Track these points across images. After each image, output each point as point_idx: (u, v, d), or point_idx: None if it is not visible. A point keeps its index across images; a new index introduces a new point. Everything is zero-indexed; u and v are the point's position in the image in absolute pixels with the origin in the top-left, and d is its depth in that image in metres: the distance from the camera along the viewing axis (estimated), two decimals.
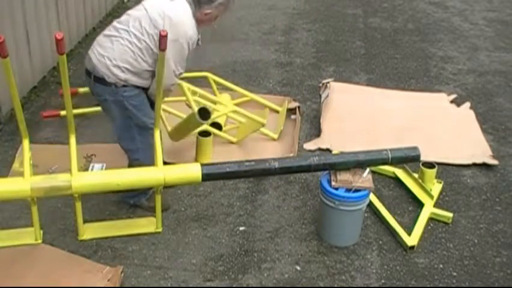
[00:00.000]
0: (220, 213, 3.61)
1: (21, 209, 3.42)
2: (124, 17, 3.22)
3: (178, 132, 3.92)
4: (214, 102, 4.52)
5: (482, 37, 6.82)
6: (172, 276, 3.11)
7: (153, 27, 3.07)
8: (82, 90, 4.28)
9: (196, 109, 3.44)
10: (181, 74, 3.30)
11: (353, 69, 5.80)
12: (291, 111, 4.70)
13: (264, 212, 3.64)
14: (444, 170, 4.11)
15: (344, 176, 3.23)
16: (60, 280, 2.92)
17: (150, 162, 3.21)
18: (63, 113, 4.22)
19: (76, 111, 4.03)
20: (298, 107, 4.76)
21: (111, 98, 3.18)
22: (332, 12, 7.53)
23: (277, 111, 4.75)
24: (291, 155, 4.14)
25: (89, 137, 4.34)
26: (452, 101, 5.10)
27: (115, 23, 3.21)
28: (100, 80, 3.14)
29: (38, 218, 3.05)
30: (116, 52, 3.10)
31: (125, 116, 3.23)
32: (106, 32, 3.22)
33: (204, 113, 3.42)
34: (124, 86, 3.14)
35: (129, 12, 3.23)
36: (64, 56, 2.56)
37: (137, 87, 3.19)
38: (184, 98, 4.51)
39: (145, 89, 3.26)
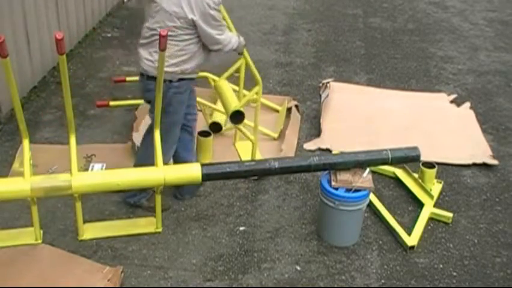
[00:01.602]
0: (220, 213, 3.61)
1: (21, 209, 3.42)
2: (150, 20, 3.23)
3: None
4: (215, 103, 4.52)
5: (482, 37, 6.82)
6: (172, 276, 3.11)
7: (176, 19, 3.13)
8: (129, 78, 4.39)
9: (230, 111, 3.56)
10: (223, 28, 3.34)
11: (353, 69, 5.81)
12: (289, 110, 4.70)
13: (264, 212, 3.64)
14: (444, 170, 4.11)
15: (344, 176, 3.23)
16: (60, 280, 2.92)
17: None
18: (112, 103, 4.33)
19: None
20: (296, 106, 4.76)
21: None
22: (332, 12, 7.53)
23: (277, 111, 4.75)
24: (291, 155, 4.14)
25: (89, 137, 4.35)
26: (452, 101, 5.10)
27: (146, 29, 3.26)
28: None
29: (38, 218, 3.05)
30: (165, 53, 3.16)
31: None
32: (142, 40, 3.29)
33: (238, 115, 3.56)
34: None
35: (151, 12, 3.22)
36: (64, 56, 2.56)
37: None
38: None
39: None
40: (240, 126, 3.84)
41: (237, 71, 3.93)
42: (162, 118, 3.31)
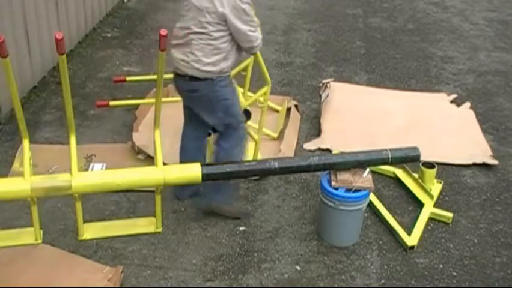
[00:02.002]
0: None
1: (21, 209, 3.42)
2: (182, 20, 3.21)
3: None
4: None
5: (482, 37, 6.82)
6: (172, 276, 3.11)
7: (207, 14, 3.09)
8: (129, 78, 4.46)
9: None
10: (255, 25, 3.28)
11: (353, 69, 5.81)
12: (289, 110, 4.70)
13: (264, 212, 3.64)
14: (444, 170, 4.11)
15: (344, 176, 3.23)
16: (60, 280, 2.92)
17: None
18: (112, 103, 4.35)
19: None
20: (296, 106, 4.76)
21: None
22: (332, 12, 7.53)
23: (277, 111, 4.75)
24: (291, 155, 4.14)
25: (89, 137, 4.35)
26: (452, 101, 5.10)
27: (178, 29, 3.21)
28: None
29: (38, 218, 3.05)
30: (199, 53, 3.16)
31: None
32: (176, 41, 3.25)
33: (245, 114, 3.57)
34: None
35: (183, 11, 3.21)
36: (64, 56, 2.56)
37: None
38: None
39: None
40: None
41: (244, 69, 3.92)
42: (225, 118, 3.29)
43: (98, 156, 4.05)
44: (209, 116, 3.33)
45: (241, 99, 3.72)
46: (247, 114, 3.60)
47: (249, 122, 3.75)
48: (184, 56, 3.19)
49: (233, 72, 3.87)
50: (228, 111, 3.32)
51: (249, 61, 3.81)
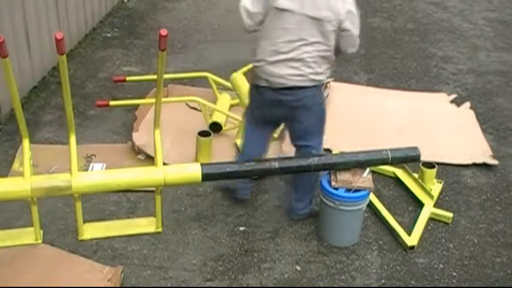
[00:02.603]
0: (220, 213, 3.61)
1: (21, 209, 3.42)
2: (286, 34, 3.08)
3: None
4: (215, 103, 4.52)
5: (482, 37, 6.82)
6: (172, 276, 3.11)
7: (326, 23, 3.04)
8: (129, 78, 4.53)
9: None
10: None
11: (353, 69, 5.80)
12: None
13: (264, 212, 3.64)
14: (444, 170, 4.11)
15: (344, 176, 3.23)
16: (60, 280, 2.92)
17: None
18: (112, 103, 4.35)
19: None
20: None
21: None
22: None
23: None
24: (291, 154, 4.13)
25: (89, 137, 4.35)
26: (452, 101, 5.11)
27: (282, 44, 3.09)
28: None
29: (38, 218, 3.05)
30: (314, 65, 3.14)
31: None
32: (277, 57, 3.12)
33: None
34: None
35: (285, 24, 3.07)
36: (64, 56, 2.55)
37: None
38: (184, 98, 4.52)
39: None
40: None
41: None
42: (319, 118, 3.35)
43: (98, 156, 4.05)
44: (308, 119, 3.30)
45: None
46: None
47: None
48: (297, 71, 3.12)
49: (241, 71, 3.88)
50: (323, 112, 3.37)
51: None
